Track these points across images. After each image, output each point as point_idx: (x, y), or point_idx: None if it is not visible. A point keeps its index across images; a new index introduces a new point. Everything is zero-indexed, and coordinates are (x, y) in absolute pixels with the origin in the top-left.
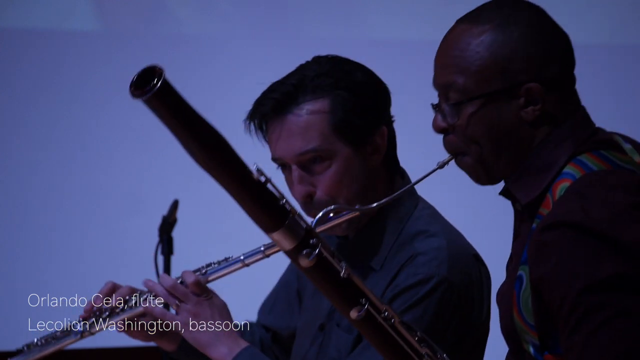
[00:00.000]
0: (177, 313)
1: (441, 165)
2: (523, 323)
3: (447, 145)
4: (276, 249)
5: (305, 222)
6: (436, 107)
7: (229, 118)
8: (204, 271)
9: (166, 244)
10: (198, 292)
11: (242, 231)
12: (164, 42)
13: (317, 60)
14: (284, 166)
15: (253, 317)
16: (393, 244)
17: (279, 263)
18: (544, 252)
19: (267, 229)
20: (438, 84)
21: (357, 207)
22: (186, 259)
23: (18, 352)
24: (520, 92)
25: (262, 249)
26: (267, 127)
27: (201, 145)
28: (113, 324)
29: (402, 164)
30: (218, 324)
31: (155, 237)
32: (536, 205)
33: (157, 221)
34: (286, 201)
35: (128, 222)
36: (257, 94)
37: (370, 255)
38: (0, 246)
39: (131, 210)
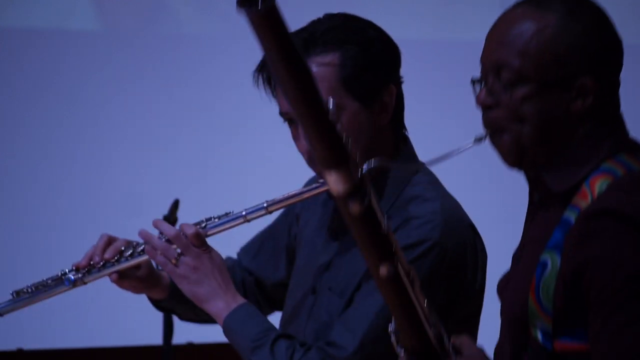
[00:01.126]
0: (176, 265)
1: (477, 140)
2: (539, 308)
3: (489, 121)
4: (279, 206)
5: (359, 170)
6: (479, 82)
7: (229, 117)
8: (203, 225)
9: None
10: (197, 245)
11: (242, 231)
12: (164, 42)
13: (329, 16)
14: (290, 120)
15: None
16: (389, 208)
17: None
18: (590, 238)
19: (327, 165)
20: (491, 59)
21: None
22: None
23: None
24: (573, 85)
25: (264, 205)
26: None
27: (288, 71)
28: (107, 274)
29: None
30: (217, 278)
31: None
32: (569, 195)
33: None
34: (350, 143)
35: (128, 221)
36: (258, 93)
37: None
38: (0, 246)
39: (131, 210)
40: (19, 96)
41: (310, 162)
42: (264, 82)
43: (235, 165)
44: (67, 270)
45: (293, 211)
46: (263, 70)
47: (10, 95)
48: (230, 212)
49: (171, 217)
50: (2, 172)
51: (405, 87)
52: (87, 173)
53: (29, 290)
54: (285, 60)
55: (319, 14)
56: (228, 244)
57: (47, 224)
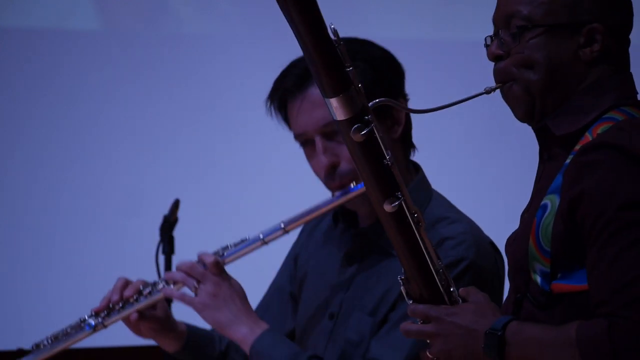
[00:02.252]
0: (196, 295)
1: (487, 91)
2: (537, 249)
3: (499, 72)
4: (296, 224)
5: (364, 98)
6: (492, 38)
7: (230, 117)
8: (221, 253)
9: (167, 243)
10: (216, 273)
11: (243, 230)
12: (165, 41)
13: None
14: (306, 142)
15: None
16: None
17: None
18: (587, 169)
19: (329, 92)
20: (501, 14)
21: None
22: (187, 259)
23: (27, 352)
24: (583, 31)
25: (281, 225)
26: (288, 103)
27: (295, 2)
28: (127, 315)
29: None
30: (237, 304)
31: (156, 237)
32: (572, 141)
33: (158, 221)
34: (352, 69)
35: (129, 221)
36: (258, 93)
37: (387, 240)
38: (1, 247)
39: (132, 210)
40: (19, 96)
41: (328, 179)
42: (275, 111)
43: (236, 165)
44: (86, 317)
45: (292, 255)
46: (275, 94)
47: (10, 95)
48: (246, 239)
49: (171, 217)
50: (2, 172)
51: (405, 87)
52: (87, 173)
53: (49, 341)
54: None
55: (322, 13)
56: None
57: (47, 224)
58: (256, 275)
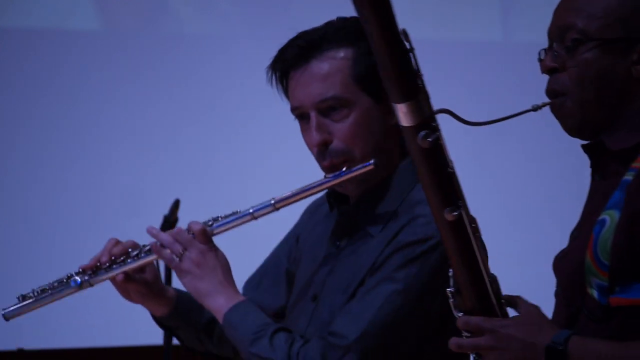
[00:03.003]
0: (180, 260)
1: (535, 108)
2: (595, 263)
3: (552, 85)
4: (286, 202)
5: (430, 105)
6: (546, 50)
7: (230, 117)
8: (210, 223)
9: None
10: (203, 242)
11: (243, 230)
12: (165, 41)
13: (342, 18)
14: (302, 116)
15: None
16: (394, 213)
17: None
18: None
19: (398, 97)
20: (556, 26)
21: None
22: None
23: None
24: (637, 47)
25: (272, 202)
26: (288, 75)
27: (372, 7)
28: (114, 275)
29: None
30: (219, 275)
31: None
32: (629, 157)
33: (158, 221)
34: (422, 77)
35: (129, 221)
36: (258, 93)
37: (370, 222)
38: (0, 246)
39: (132, 210)
40: (20, 96)
41: (320, 155)
42: (276, 81)
43: (236, 165)
44: (73, 273)
45: (294, 233)
46: (277, 64)
47: (10, 95)
48: (237, 211)
49: (171, 217)
50: (2, 172)
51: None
52: (87, 173)
53: (35, 293)
54: None
55: (322, 13)
56: (236, 243)
57: (48, 224)
58: (246, 252)
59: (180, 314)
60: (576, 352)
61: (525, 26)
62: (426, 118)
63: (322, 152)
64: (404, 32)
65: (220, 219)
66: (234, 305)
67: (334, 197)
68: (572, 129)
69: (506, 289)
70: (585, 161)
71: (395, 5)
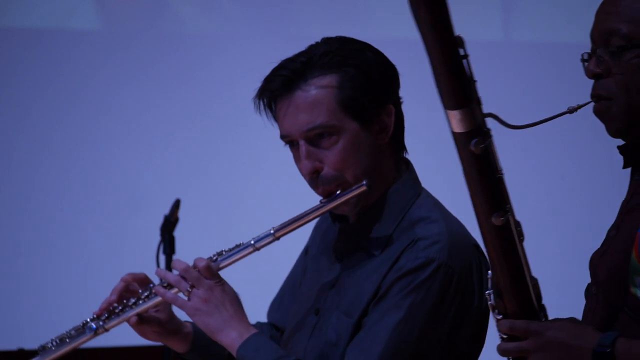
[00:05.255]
0: (188, 299)
1: (571, 110)
2: None
3: (597, 90)
4: (286, 231)
5: (481, 112)
6: (590, 55)
7: (230, 117)
8: (214, 258)
9: (168, 243)
10: (209, 278)
11: (244, 230)
12: (166, 41)
13: (326, 40)
14: (291, 143)
15: (262, 315)
16: (394, 230)
17: (288, 261)
18: None
19: (452, 104)
20: (600, 30)
21: None
22: (188, 259)
23: (34, 353)
24: None
25: (271, 232)
26: (275, 104)
27: (430, 13)
28: (127, 318)
29: None
30: (229, 309)
31: (157, 237)
32: None
33: (159, 220)
34: (475, 83)
35: (129, 221)
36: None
37: (370, 240)
38: (1, 246)
39: (132, 210)
40: (20, 95)
41: (312, 183)
42: (265, 107)
43: (236, 165)
44: (88, 320)
45: (304, 249)
46: (263, 95)
47: (11, 95)
48: (240, 244)
49: (172, 217)
50: (2, 172)
51: (405, 88)
52: (87, 173)
53: (54, 343)
54: (428, 4)
55: (321, 16)
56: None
57: (48, 224)
58: (257, 277)
59: (200, 348)
60: (623, 354)
61: (526, 26)
62: (478, 124)
63: (314, 179)
64: (460, 39)
65: (224, 252)
66: (246, 339)
67: (332, 213)
68: (617, 132)
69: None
70: (615, 161)
71: (395, 5)
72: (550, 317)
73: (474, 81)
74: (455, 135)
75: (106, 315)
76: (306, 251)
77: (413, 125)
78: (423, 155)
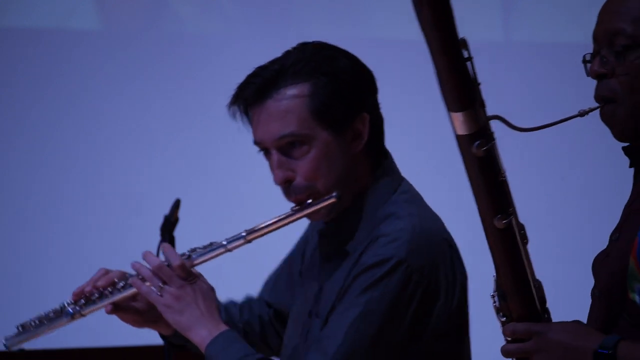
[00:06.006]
0: (160, 295)
1: (582, 114)
2: (638, 267)
3: (601, 91)
4: (257, 234)
5: (485, 114)
6: (593, 55)
7: (230, 117)
8: (188, 255)
9: (168, 243)
10: (182, 276)
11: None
12: (166, 41)
13: (301, 46)
14: (265, 150)
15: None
16: (367, 228)
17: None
18: None
19: (455, 106)
20: (603, 30)
21: None
22: None
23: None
24: None
25: (243, 234)
26: (249, 111)
27: (433, 15)
28: (102, 306)
29: (402, 160)
30: (200, 307)
31: (156, 237)
32: None
33: (159, 220)
34: (479, 86)
35: (129, 221)
36: None
37: (348, 239)
38: (0, 246)
39: (132, 210)
40: (20, 96)
41: (286, 193)
42: (240, 114)
43: (236, 165)
44: (67, 303)
45: (305, 236)
46: (237, 102)
47: (11, 95)
48: (213, 243)
49: (172, 217)
50: (2, 172)
51: (405, 88)
52: (87, 173)
53: (33, 323)
54: (431, 4)
55: (321, 16)
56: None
57: (48, 224)
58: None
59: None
60: (625, 357)
61: (526, 26)
62: (481, 127)
63: (287, 188)
64: (463, 41)
65: (197, 250)
66: (215, 337)
67: None
68: (624, 135)
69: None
70: (620, 162)
71: (396, 5)
72: (555, 319)
73: (478, 84)
74: (458, 137)
75: (83, 301)
76: (305, 244)
77: (413, 126)
78: (423, 155)
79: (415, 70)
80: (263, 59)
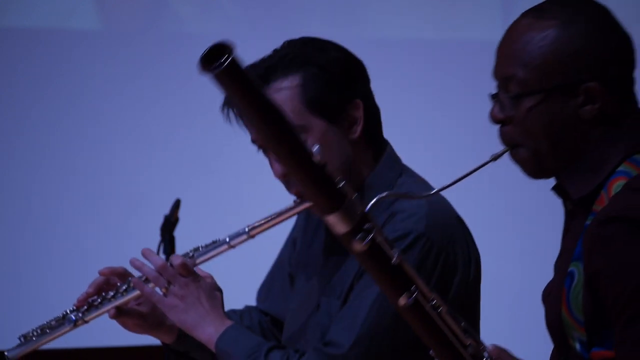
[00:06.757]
0: (165, 296)
1: (494, 158)
2: (571, 319)
3: (504, 137)
4: (260, 229)
5: (361, 206)
6: (494, 97)
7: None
8: (191, 255)
9: (168, 243)
10: (185, 275)
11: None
12: (166, 41)
13: (289, 42)
14: (263, 147)
15: (250, 299)
16: (376, 210)
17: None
18: (600, 246)
19: (324, 211)
20: (499, 74)
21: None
22: None
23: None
24: (579, 91)
25: (246, 229)
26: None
27: (265, 124)
28: (106, 311)
29: (405, 160)
30: (205, 305)
31: (157, 237)
32: (589, 201)
33: (159, 220)
34: (344, 184)
35: (130, 221)
36: None
37: None
38: (1, 246)
39: (133, 210)
40: (20, 96)
41: (287, 186)
42: (234, 115)
43: (237, 165)
44: (68, 310)
45: (290, 238)
46: (229, 104)
47: (11, 95)
48: (216, 240)
49: (172, 217)
50: (2, 172)
51: (405, 87)
52: (87, 173)
53: (35, 333)
54: (261, 112)
55: (321, 16)
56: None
57: (48, 224)
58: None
59: (186, 337)
60: None
61: None
62: (357, 222)
63: (287, 182)
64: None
65: (200, 248)
66: (223, 332)
67: None
68: (532, 174)
69: (509, 293)
70: None
71: (395, 5)
72: None
73: (342, 182)
74: (339, 237)
75: (85, 307)
76: (294, 242)
77: (412, 126)
78: (423, 155)
79: (415, 70)
80: None
